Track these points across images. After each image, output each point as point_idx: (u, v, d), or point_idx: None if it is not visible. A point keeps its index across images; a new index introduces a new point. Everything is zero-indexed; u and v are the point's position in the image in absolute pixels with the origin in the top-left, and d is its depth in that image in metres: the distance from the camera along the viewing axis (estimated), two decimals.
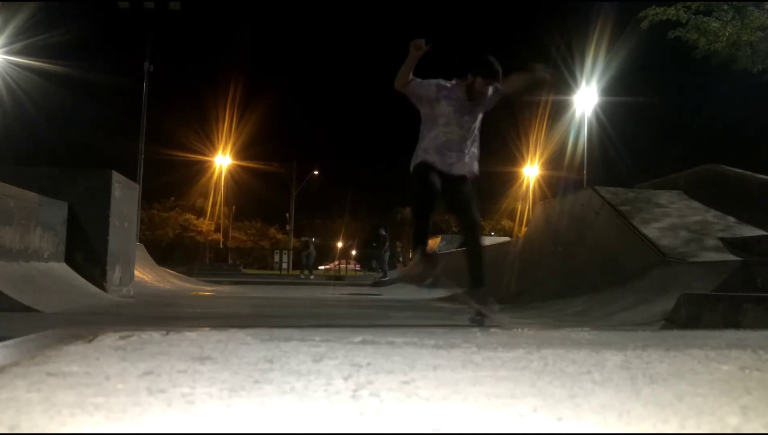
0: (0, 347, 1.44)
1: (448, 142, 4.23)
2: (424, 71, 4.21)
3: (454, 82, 4.28)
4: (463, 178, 4.29)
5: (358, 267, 39.12)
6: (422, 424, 0.84)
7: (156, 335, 1.64)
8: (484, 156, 4.54)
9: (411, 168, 4.31)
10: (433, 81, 4.26)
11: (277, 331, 1.83)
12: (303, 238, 21.57)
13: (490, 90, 4.27)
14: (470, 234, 4.35)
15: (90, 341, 1.51)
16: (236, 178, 47.15)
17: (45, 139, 40.26)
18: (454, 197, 4.31)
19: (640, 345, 1.66)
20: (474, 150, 4.35)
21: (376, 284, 17.45)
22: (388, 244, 20.32)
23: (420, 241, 4.23)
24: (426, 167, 4.20)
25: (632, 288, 5.60)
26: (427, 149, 4.24)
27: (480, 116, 4.35)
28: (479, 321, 4.11)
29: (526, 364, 1.33)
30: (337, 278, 26.28)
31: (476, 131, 4.34)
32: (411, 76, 4.17)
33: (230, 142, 43.70)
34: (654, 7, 10.79)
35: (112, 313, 4.99)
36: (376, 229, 23.60)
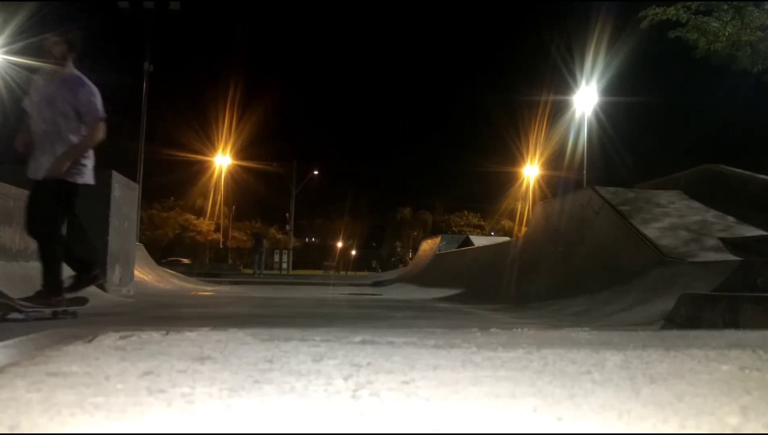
0: (0, 347, 1.44)
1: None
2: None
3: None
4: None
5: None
6: (422, 424, 0.84)
7: (156, 335, 1.64)
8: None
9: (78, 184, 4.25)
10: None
11: (277, 331, 1.83)
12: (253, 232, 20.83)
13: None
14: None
15: (90, 341, 1.51)
16: (236, 178, 47.24)
17: None
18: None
19: (640, 345, 1.66)
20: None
21: (376, 284, 17.55)
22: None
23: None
24: None
25: (632, 288, 5.60)
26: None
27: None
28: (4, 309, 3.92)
29: (526, 364, 1.33)
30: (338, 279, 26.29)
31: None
32: None
33: (230, 142, 43.76)
34: (654, 7, 10.77)
35: (112, 313, 4.99)
36: (372, 230, 23.70)
